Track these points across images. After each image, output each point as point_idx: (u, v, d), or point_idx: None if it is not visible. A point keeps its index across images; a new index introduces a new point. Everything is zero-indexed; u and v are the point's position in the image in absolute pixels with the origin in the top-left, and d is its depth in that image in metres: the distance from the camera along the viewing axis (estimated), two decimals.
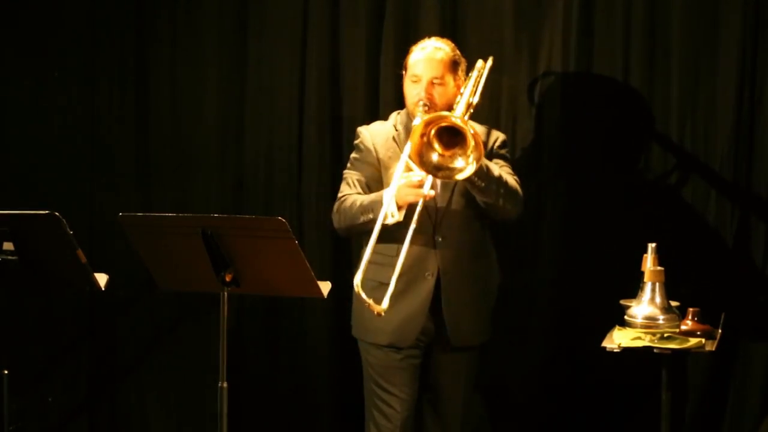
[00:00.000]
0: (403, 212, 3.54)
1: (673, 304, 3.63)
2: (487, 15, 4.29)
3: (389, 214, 3.51)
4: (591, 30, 4.21)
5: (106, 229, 4.50)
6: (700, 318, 3.69)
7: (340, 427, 4.49)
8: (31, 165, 4.62)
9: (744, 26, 4.04)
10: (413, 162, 3.47)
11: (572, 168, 4.23)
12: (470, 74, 3.76)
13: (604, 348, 3.54)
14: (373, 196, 3.67)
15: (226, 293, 3.34)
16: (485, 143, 3.65)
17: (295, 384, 4.53)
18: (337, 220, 3.76)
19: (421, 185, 3.53)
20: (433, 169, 3.46)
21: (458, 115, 3.51)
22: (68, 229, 3.42)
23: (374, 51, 4.38)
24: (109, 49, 4.62)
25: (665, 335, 3.55)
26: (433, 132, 3.44)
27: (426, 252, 3.66)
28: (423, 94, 3.65)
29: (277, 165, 4.53)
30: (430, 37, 3.80)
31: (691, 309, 3.69)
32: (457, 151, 3.44)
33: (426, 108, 3.63)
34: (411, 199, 3.54)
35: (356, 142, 3.83)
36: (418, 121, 3.50)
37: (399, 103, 3.87)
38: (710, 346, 3.59)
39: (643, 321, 3.58)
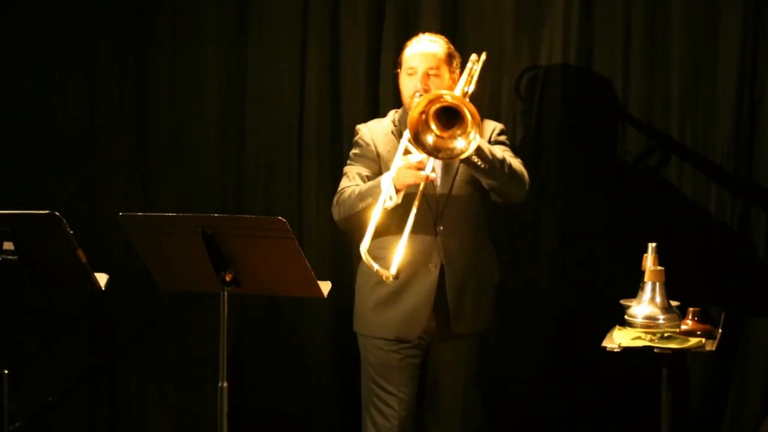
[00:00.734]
0: (401, 195, 3.53)
1: (673, 303, 3.63)
2: (487, 15, 4.29)
3: (387, 197, 3.50)
4: (591, 30, 4.21)
5: (106, 229, 4.50)
6: (700, 318, 3.69)
7: (340, 427, 4.49)
8: (31, 165, 4.62)
9: (744, 26, 4.04)
10: (413, 146, 3.47)
11: (572, 168, 4.23)
12: (465, 68, 3.78)
13: (604, 348, 3.54)
14: (370, 183, 3.67)
15: (226, 293, 3.34)
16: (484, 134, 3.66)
17: (295, 384, 4.53)
18: (336, 212, 3.76)
19: (420, 167, 3.53)
20: (433, 150, 3.46)
21: (456, 94, 3.51)
22: (68, 229, 3.42)
23: (374, 51, 4.38)
24: (109, 49, 4.62)
25: (665, 335, 3.55)
26: (432, 110, 3.43)
27: (428, 242, 3.66)
28: (419, 86, 3.67)
29: (277, 165, 4.53)
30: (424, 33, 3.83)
31: (691, 309, 3.69)
32: (456, 131, 3.44)
33: None
34: (410, 180, 3.53)
35: (355, 138, 3.85)
36: (417, 99, 3.51)
37: (399, 103, 3.87)
38: (710, 346, 3.59)
39: (643, 321, 3.58)
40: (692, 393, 4.15)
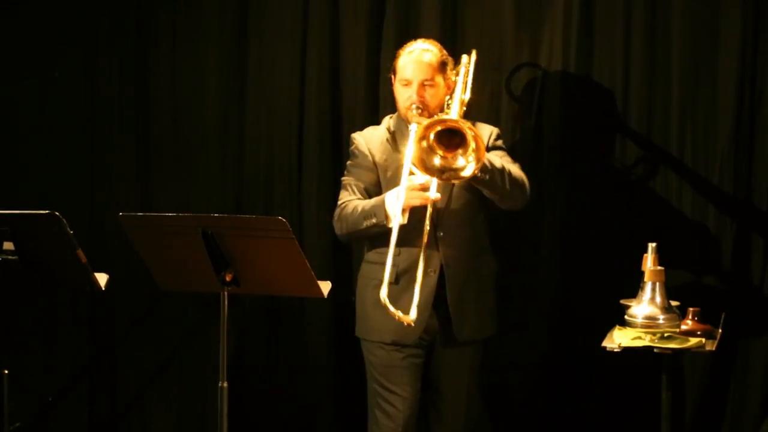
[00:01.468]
0: (407, 215, 3.55)
1: (674, 303, 3.63)
2: (487, 15, 4.29)
3: (393, 217, 3.55)
4: (591, 30, 4.21)
5: (106, 229, 4.50)
6: (700, 318, 3.69)
7: (340, 427, 4.49)
8: (31, 165, 4.62)
9: (744, 26, 4.04)
10: (417, 169, 3.49)
11: (572, 168, 4.23)
12: (457, 70, 3.78)
13: (604, 348, 3.54)
14: (374, 201, 3.68)
15: (226, 293, 3.34)
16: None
17: (295, 384, 4.53)
18: (339, 228, 3.77)
19: (425, 188, 3.55)
20: (438, 173, 3.48)
21: (455, 116, 3.52)
22: (68, 229, 3.42)
23: (374, 51, 4.38)
24: (110, 49, 4.62)
25: (665, 335, 3.55)
26: (432, 136, 3.46)
27: (427, 251, 3.66)
28: (415, 97, 3.68)
29: (277, 165, 4.52)
30: (417, 39, 3.83)
31: (691, 309, 3.69)
32: (459, 151, 3.46)
33: (419, 111, 3.65)
34: (416, 203, 3.56)
35: (351, 148, 3.84)
36: (415, 128, 3.52)
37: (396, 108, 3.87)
38: (710, 346, 3.59)
39: (643, 321, 3.58)
40: (692, 393, 4.14)
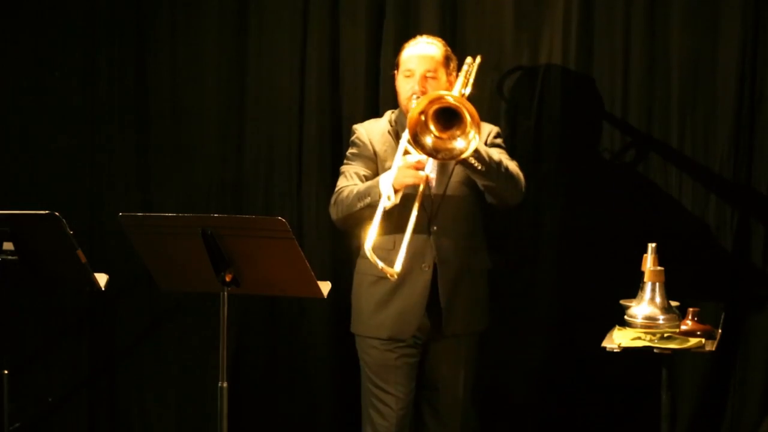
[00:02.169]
0: (400, 195, 3.55)
1: (673, 304, 3.63)
2: (487, 15, 4.29)
3: (386, 197, 3.52)
4: (591, 30, 4.21)
5: (106, 229, 4.50)
6: (700, 318, 3.69)
7: (340, 427, 4.49)
8: (31, 165, 4.62)
9: (744, 26, 4.04)
10: (410, 142, 3.49)
11: (572, 167, 4.23)
12: (460, 69, 3.79)
13: (604, 348, 3.54)
14: (369, 182, 3.68)
15: (226, 293, 3.34)
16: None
17: (295, 384, 4.53)
18: (335, 212, 3.77)
19: (419, 167, 3.54)
20: (432, 151, 3.47)
21: (455, 95, 3.51)
22: (68, 229, 3.42)
23: (374, 51, 4.38)
24: (109, 49, 4.62)
25: (665, 335, 3.55)
26: (431, 111, 3.45)
27: (421, 242, 3.67)
28: (417, 88, 3.69)
29: (277, 165, 4.52)
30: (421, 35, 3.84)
31: (691, 309, 3.68)
32: (455, 131, 3.46)
33: None
34: (409, 181, 3.55)
35: (352, 138, 3.86)
36: (416, 100, 3.53)
37: (398, 103, 3.87)
38: (710, 346, 3.58)
39: (643, 321, 3.58)
40: (692, 393, 4.14)
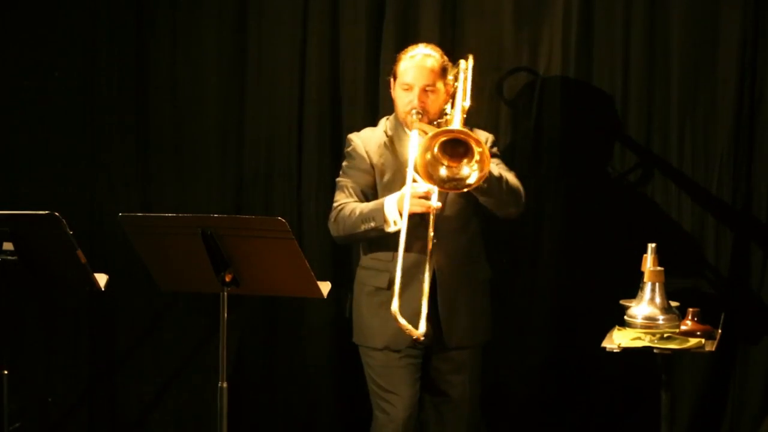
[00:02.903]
0: (405, 220, 3.55)
1: (673, 304, 3.63)
2: (487, 15, 4.29)
3: (392, 221, 3.56)
4: (591, 30, 4.20)
5: (106, 229, 4.50)
6: (700, 318, 3.69)
7: (340, 427, 4.49)
8: (31, 165, 4.62)
9: (744, 26, 4.04)
10: (421, 178, 3.50)
11: (572, 168, 4.23)
12: (457, 78, 3.78)
13: (604, 348, 3.54)
14: (372, 204, 3.68)
15: (226, 293, 3.34)
16: None
17: (295, 384, 4.53)
18: (335, 229, 3.77)
19: (427, 197, 3.55)
20: (441, 182, 3.49)
21: (458, 126, 3.52)
22: (68, 229, 3.42)
23: (374, 51, 4.38)
24: (109, 49, 4.61)
25: (665, 335, 3.55)
26: (437, 146, 3.46)
27: (421, 256, 3.65)
28: (416, 102, 3.67)
29: (276, 165, 4.52)
30: (418, 43, 3.83)
31: (691, 309, 3.69)
32: (463, 161, 3.47)
33: (419, 116, 3.65)
34: (417, 210, 3.57)
35: (348, 150, 3.84)
36: (416, 134, 3.54)
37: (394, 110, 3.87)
38: (710, 346, 3.58)
39: (643, 321, 3.58)
40: (692, 393, 4.14)
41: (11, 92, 4.63)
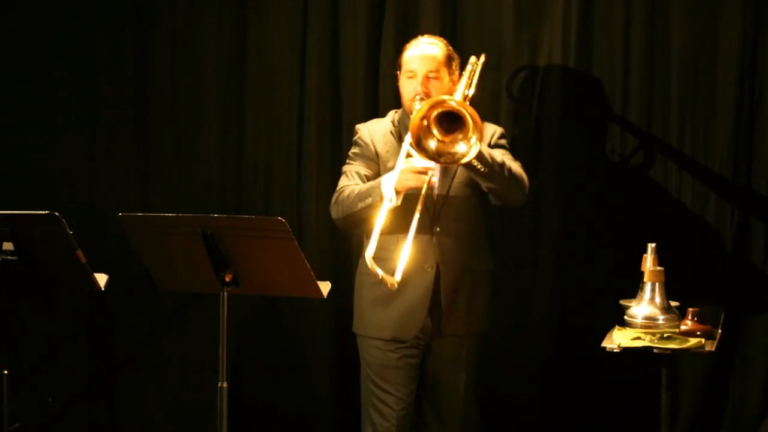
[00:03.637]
0: (401, 197, 3.54)
1: (673, 304, 3.63)
2: (487, 15, 4.29)
3: (388, 198, 3.52)
4: (591, 30, 4.21)
5: (106, 229, 4.50)
6: (700, 318, 3.69)
7: (340, 427, 4.49)
8: (31, 165, 4.62)
9: (744, 26, 4.04)
10: (413, 146, 3.48)
11: (572, 167, 4.23)
12: (464, 70, 3.78)
13: (604, 348, 3.54)
14: (370, 183, 3.68)
15: (226, 293, 3.34)
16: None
17: (295, 384, 4.53)
18: (335, 211, 3.77)
19: (423, 171, 3.54)
20: (435, 155, 3.47)
21: (457, 99, 3.51)
22: (68, 229, 3.42)
23: (374, 51, 4.38)
24: (109, 49, 4.62)
25: (665, 335, 3.55)
26: (433, 116, 3.44)
27: (424, 243, 3.66)
28: (420, 88, 3.69)
29: (277, 165, 4.53)
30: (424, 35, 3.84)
31: (691, 309, 3.69)
32: (458, 135, 3.45)
33: (423, 102, 3.63)
34: (412, 183, 3.55)
35: (354, 138, 3.86)
36: (418, 106, 3.52)
37: (399, 103, 3.87)
38: (710, 346, 3.58)
39: (643, 321, 3.57)
40: (692, 393, 4.14)
41: (11, 92, 4.63)
